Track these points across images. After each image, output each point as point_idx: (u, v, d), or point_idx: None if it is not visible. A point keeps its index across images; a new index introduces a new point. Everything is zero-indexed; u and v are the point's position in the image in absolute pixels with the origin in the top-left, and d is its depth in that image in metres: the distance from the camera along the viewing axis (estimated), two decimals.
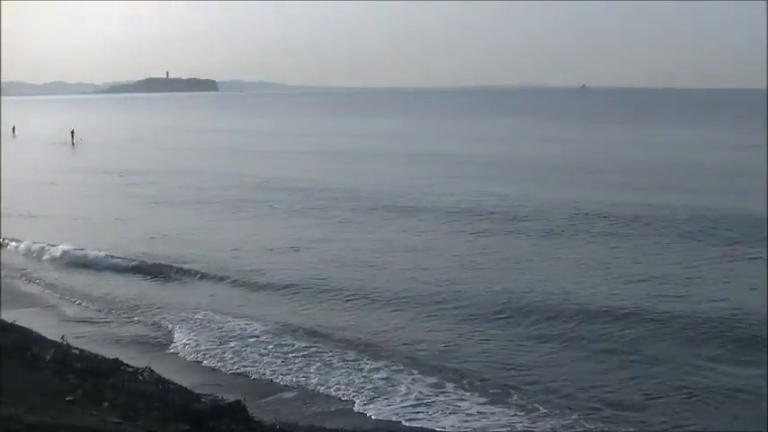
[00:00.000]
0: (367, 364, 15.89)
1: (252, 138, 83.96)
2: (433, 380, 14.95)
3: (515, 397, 14.13)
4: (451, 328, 18.23)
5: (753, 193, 35.94)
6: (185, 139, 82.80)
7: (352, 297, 20.68)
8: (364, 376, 15.29)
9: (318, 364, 16.02)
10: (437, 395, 14.32)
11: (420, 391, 14.46)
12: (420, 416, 13.53)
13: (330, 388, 14.83)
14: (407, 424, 13.27)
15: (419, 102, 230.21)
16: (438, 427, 13.08)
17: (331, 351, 16.67)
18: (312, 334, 17.90)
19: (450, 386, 14.67)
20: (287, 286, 21.93)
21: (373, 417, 13.60)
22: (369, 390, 14.68)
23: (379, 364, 15.83)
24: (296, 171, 49.51)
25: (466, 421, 13.29)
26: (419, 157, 57.63)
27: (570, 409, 13.65)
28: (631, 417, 13.45)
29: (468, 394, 14.31)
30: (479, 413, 13.58)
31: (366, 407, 14.01)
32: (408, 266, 23.79)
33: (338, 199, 37.12)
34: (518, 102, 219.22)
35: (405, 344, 17.15)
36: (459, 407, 13.84)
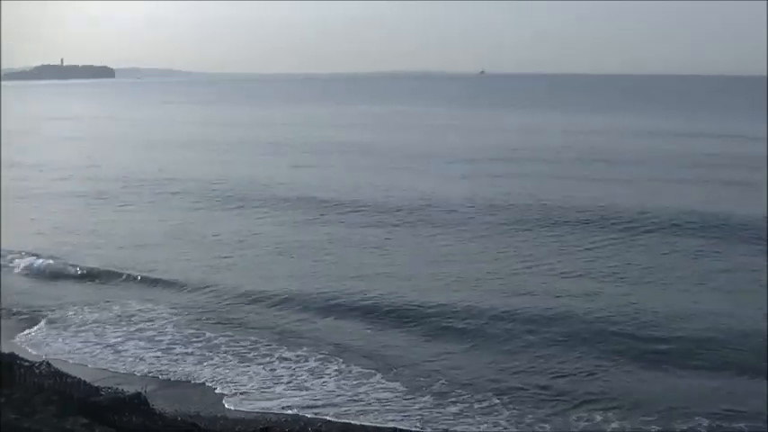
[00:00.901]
0: (279, 354, 15.92)
1: (144, 127, 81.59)
2: (347, 368, 15.12)
3: (438, 385, 14.30)
4: (368, 319, 18.28)
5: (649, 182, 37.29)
6: (74, 129, 79.73)
7: (262, 290, 20.40)
8: (276, 366, 15.32)
9: (226, 354, 15.97)
10: (356, 385, 14.38)
11: (337, 381, 14.55)
12: (328, 407, 13.55)
13: (236, 378, 14.78)
14: (310, 415, 13.22)
15: (301, 89, 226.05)
16: (346, 418, 13.10)
17: (243, 341, 16.63)
18: (223, 325, 17.81)
19: (377, 377, 14.73)
20: (196, 279, 21.61)
21: (278, 408, 13.52)
22: (278, 380, 14.71)
23: (292, 354, 15.87)
24: (184, 163, 47.72)
25: (382, 411, 13.40)
26: (322, 145, 56.78)
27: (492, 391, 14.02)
28: (547, 395, 13.91)
29: (390, 384, 14.38)
30: (380, 399, 13.80)
31: (269, 396, 14.04)
32: (316, 259, 23.74)
33: (236, 190, 36.56)
34: (412, 87, 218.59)
35: (319, 334, 17.21)
36: (377, 396, 13.96)
